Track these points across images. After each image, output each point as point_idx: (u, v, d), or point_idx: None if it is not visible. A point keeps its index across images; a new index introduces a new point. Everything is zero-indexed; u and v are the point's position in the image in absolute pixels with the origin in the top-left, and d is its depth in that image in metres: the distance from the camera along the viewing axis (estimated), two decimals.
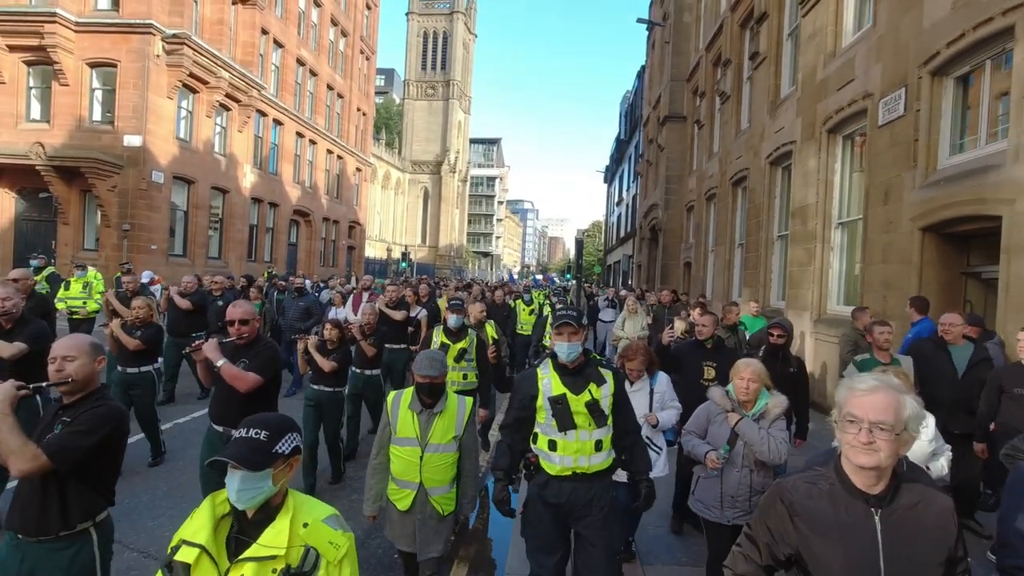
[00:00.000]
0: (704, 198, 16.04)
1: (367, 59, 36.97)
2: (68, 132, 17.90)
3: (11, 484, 2.99)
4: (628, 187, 31.77)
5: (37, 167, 17.15)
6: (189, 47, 18.62)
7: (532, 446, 2.86)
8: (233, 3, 21.61)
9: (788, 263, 10.15)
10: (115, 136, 17.97)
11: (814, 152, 9.24)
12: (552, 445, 2.75)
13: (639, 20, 19.23)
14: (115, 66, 18.00)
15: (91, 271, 9.61)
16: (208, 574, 1.45)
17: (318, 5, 29.57)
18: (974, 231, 6.23)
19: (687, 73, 18.57)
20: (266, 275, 11.57)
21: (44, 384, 2.34)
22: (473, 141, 75.63)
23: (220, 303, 8.08)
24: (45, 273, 9.90)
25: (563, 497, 2.74)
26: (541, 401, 2.76)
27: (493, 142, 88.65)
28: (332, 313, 8.55)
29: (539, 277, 46.03)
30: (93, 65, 18.10)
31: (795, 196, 9.89)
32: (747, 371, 3.13)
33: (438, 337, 5.17)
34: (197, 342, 3.64)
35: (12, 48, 17.62)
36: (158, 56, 18.17)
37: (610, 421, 2.76)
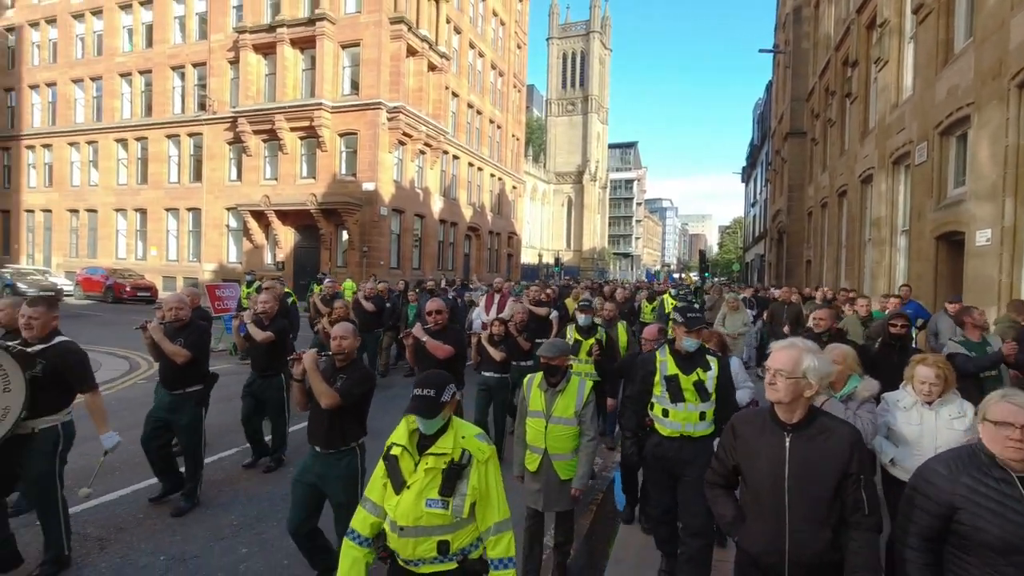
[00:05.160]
0: (819, 205, 18.76)
1: (518, 91, 42.75)
2: (327, 184, 25.42)
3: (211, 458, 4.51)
4: (761, 190, 33.75)
5: (310, 211, 24.75)
6: (403, 114, 25.25)
7: (649, 412, 3.49)
8: (427, 71, 28.13)
9: (871, 261, 13.18)
10: (356, 184, 25.07)
11: (884, 177, 12.29)
12: (665, 413, 3.37)
13: (761, 50, 22.00)
14: (356, 134, 25.15)
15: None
16: (408, 462, 2.20)
17: (481, 56, 35.71)
18: None
19: (806, 94, 21.15)
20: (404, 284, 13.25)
21: (331, 352, 3.41)
22: (610, 146, 79.23)
23: (389, 304, 10.05)
24: (256, 285, 11.78)
25: (671, 453, 3.37)
26: (658, 378, 3.40)
27: (630, 146, 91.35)
28: (476, 313, 9.82)
29: (676, 276, 48.08)
30: (342, 135, 25.43)
31: (874, 209, 12.93)
32: (832, 353, 3.37)
33: (571, 334, 5.83)
34: (406, 330, 5.13)
35: (293, 129, 25.52)
36: (383, 123, 25.01)
37: (714, 397, 3.34)
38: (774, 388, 2.08)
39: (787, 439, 2.09)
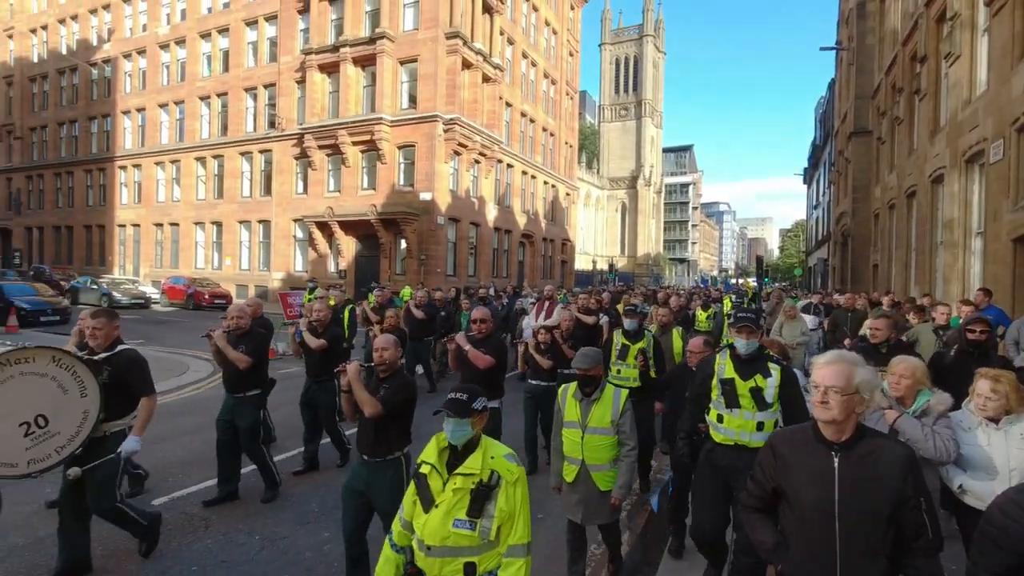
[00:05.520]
0: (887, 206, 17.98)
1: (571, 99, 42.96)
2: (386, 195, 26.45)
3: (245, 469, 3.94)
4: (824, 192, 32.45)
5: (371, 221, 25.82)
6: (458, 125, 25.98)
7: (705, 417, 3.40)
8: (481, 83, 28.82)
9: (943, 265, 12.59)
10: (414, 194, 25.96)
11: (957, 176, 11.75)
12: (720, 418, 3.27)
13: (823, 48, 21.30)
14: (413, 146, 26.08)
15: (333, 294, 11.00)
16: (437, 481, 2.21)
17: (534, 65, 36.19)
18: None
19: (871, 91, 20.33)
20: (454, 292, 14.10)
21: (372, 364, 3.46)
22: (665, 150, 77.97)
23: (443, 313, 10.01)
24: (317, 293, 12.30)
25: (724, 461, 3.25)
26: (715, 381, 3.30)
27: (685, 149, 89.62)
28: (526, 322, 9.80)
29: (732, 282, 46.71)
30: (400, 147, 26.44)
31: (945, 211, 12.36)
32: (899, 367, 3.20)
33: (619, 339, 5.60)
34: (449, 336, 5.26)
35: (355, 143, 26.74)
36: (439, 135, 25.81)
37: (775, 408, 3.17)
38: (827, 407, 1.92)
39: (835, 460, 1.93)
